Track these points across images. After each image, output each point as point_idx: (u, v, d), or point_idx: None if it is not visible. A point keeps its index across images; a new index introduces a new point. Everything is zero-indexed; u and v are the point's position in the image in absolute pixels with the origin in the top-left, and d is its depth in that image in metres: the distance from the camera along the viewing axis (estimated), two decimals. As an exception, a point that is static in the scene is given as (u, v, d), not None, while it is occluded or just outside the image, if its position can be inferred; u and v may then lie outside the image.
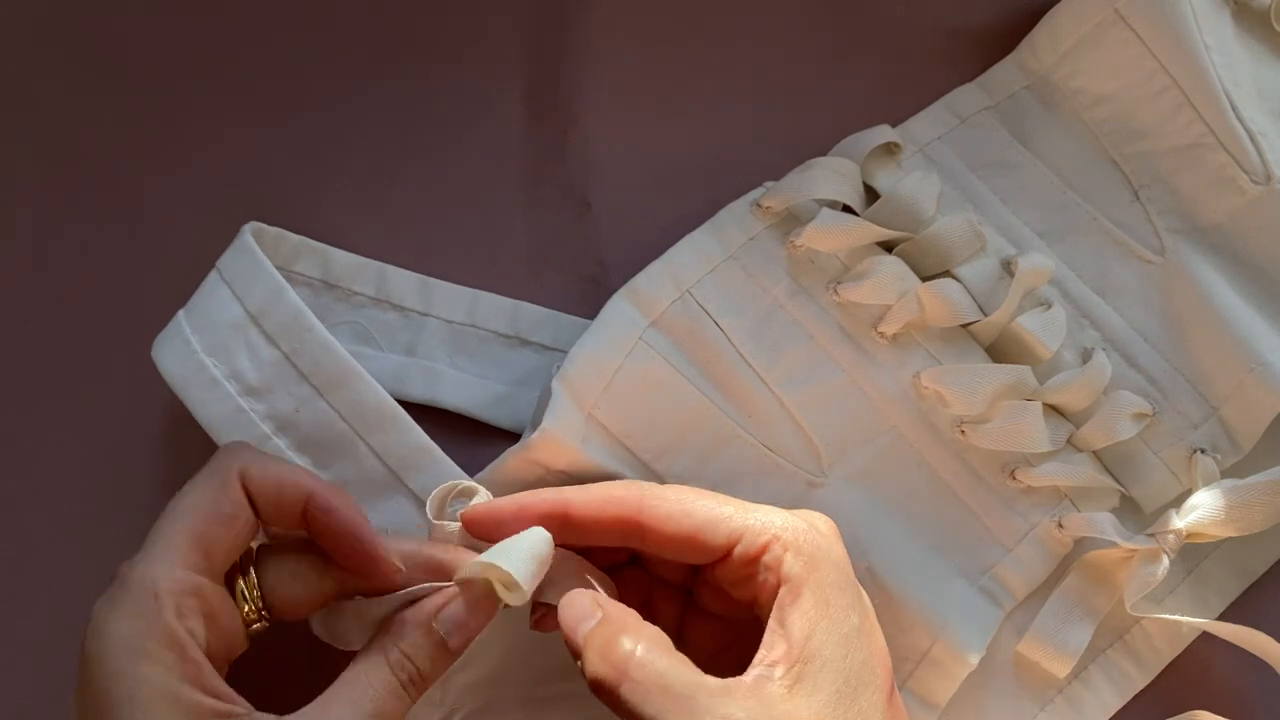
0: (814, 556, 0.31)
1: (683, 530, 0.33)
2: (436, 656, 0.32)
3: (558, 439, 0.36)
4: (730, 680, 0.30)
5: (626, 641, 0.30)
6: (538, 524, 0.33)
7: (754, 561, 0.32)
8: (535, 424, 0.37)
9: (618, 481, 0.35)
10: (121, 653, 0.29)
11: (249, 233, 0.38)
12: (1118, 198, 0.43)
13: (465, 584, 0.32)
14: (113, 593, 0.30)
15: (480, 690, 0.38)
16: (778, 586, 0.31)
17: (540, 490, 0.34)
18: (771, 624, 0.31)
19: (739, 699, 0.29)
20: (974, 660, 0.38)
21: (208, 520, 0.31)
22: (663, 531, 0.33)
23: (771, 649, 0.31)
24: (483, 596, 0.32)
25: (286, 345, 0.36)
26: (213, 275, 0.38)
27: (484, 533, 0.33)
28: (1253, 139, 0.41)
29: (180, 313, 0.38)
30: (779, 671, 0.30)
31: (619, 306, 0.39)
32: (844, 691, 0.30)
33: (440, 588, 0.33)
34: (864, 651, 0.31)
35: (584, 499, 0.33)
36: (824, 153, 0.42)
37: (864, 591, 0.33)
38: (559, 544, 0.33)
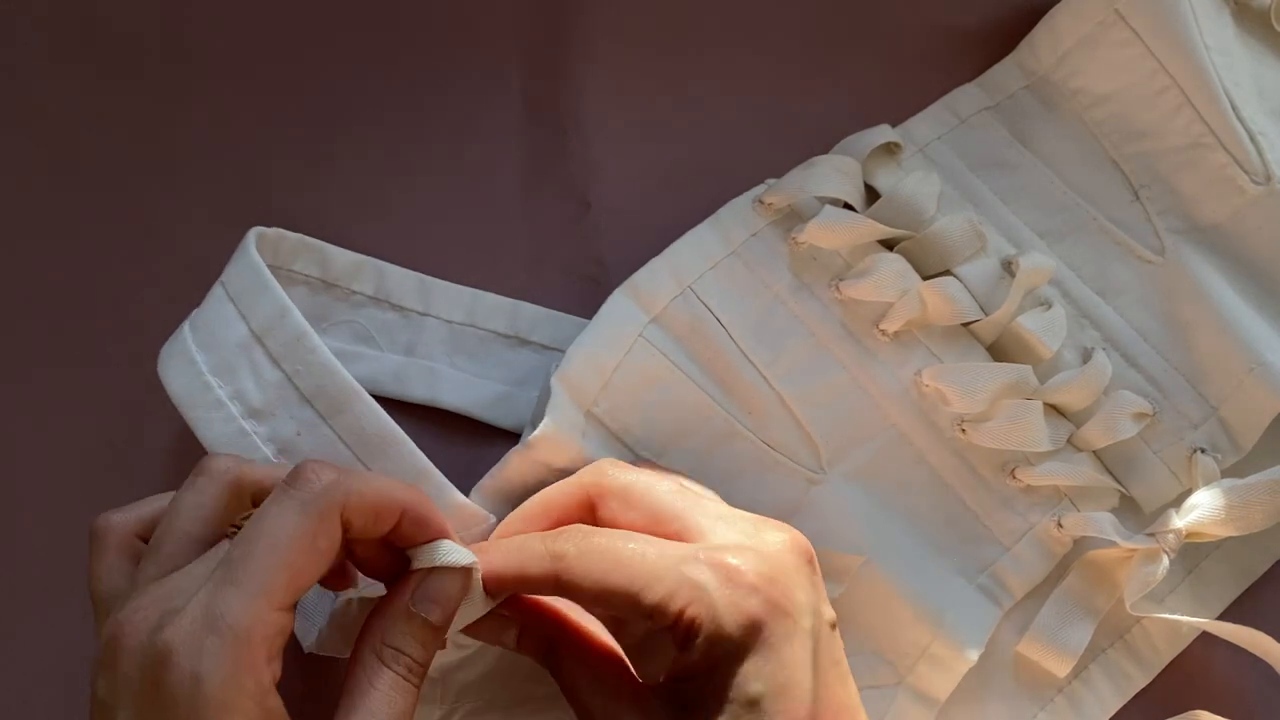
0: (714, 633, 0.30)
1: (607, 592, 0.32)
2: (425, 639, 0.31)
3: (557, 437, 0.36)
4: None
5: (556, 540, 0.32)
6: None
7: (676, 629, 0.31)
8: (535, 423, 0.37)
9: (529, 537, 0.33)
10: (213, 704, 0.27)
11: (253, 244, 0.38)
12: (1118, 198, 0.43)
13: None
14: (200, 628, 0.28)
15: (479, 689, 0.38)
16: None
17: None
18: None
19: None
20: (973, 656, 0.38)
21: (305, 557, 0.29)
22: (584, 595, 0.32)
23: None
24: (451, 572, 0.32)
25: (289, 366, 0.36)
26: (218, 290, 0.38)
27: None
28: (1253, 139, 0.41)
29: (185, 326, 0.38)
30: None
31: (619, 303, 0.39)
32: None
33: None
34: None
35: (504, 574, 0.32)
36: (824, 152, 0.42)
37: (823, 625, 0.32)
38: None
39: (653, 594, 0.30)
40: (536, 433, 0.36)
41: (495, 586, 0.32)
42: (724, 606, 0.30)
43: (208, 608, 0.28)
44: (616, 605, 0.31)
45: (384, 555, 0.32)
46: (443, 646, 0.32)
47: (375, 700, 0.30)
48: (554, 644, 0.34)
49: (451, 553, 0.32)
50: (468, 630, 0.33)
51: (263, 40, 0.45)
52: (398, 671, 0.31)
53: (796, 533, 0.33)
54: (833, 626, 0.32)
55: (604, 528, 0.33)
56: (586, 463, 0.37)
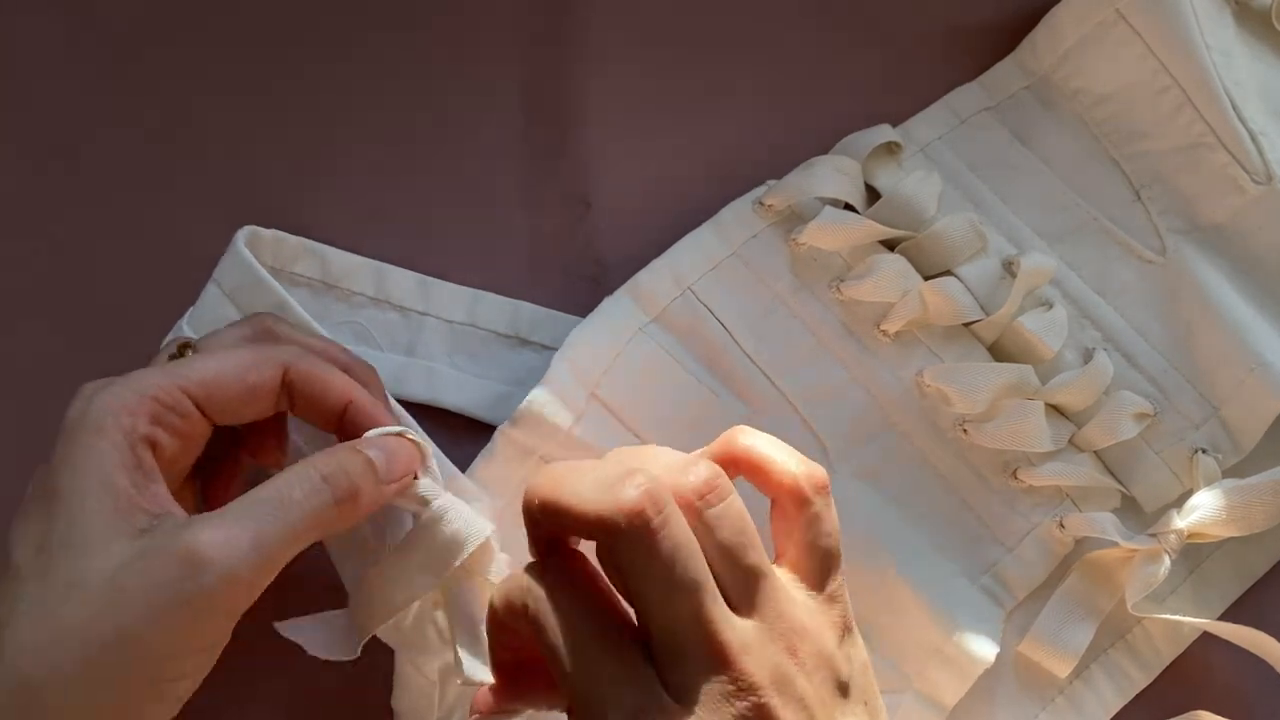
0: None
1: None
2: (367, 476, 0.31)
3: (545, 411, 0.37)
4: None
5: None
6: None
7: None
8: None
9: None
10: (78, 441, 0.30)
11: (243, 242, 0.38)
12: (1119, 198, 0.43)
13: None
14: (104, 384, 0.31)
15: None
16: None
17: None
18: None
19: None
20: (989, 659, 0.38)
21: (231, 374, 0.31)
22: None
23: None
24: (408, 443, 0.33)
25: None
26: (211, 289, 0.38)
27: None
28: (1253, 138, 0.41)
29: (184, 324, 0.38)
30: None
31: (620, 302, 0.39)
32: None
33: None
34: None
35: None
36: (824, 152, 0.42)
37: None
38: None
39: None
40: (524, 403, 0.37)
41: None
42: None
43: (133, 374, 0.31)
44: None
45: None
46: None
47: (280, 483, 0.30)
48: None
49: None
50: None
51: (263, 40, 0.45)
52: (331, 486, 0.30)
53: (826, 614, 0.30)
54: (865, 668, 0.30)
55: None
56: (574, 447, 0.37)
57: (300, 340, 0.35)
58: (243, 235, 0.39)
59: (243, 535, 0.29)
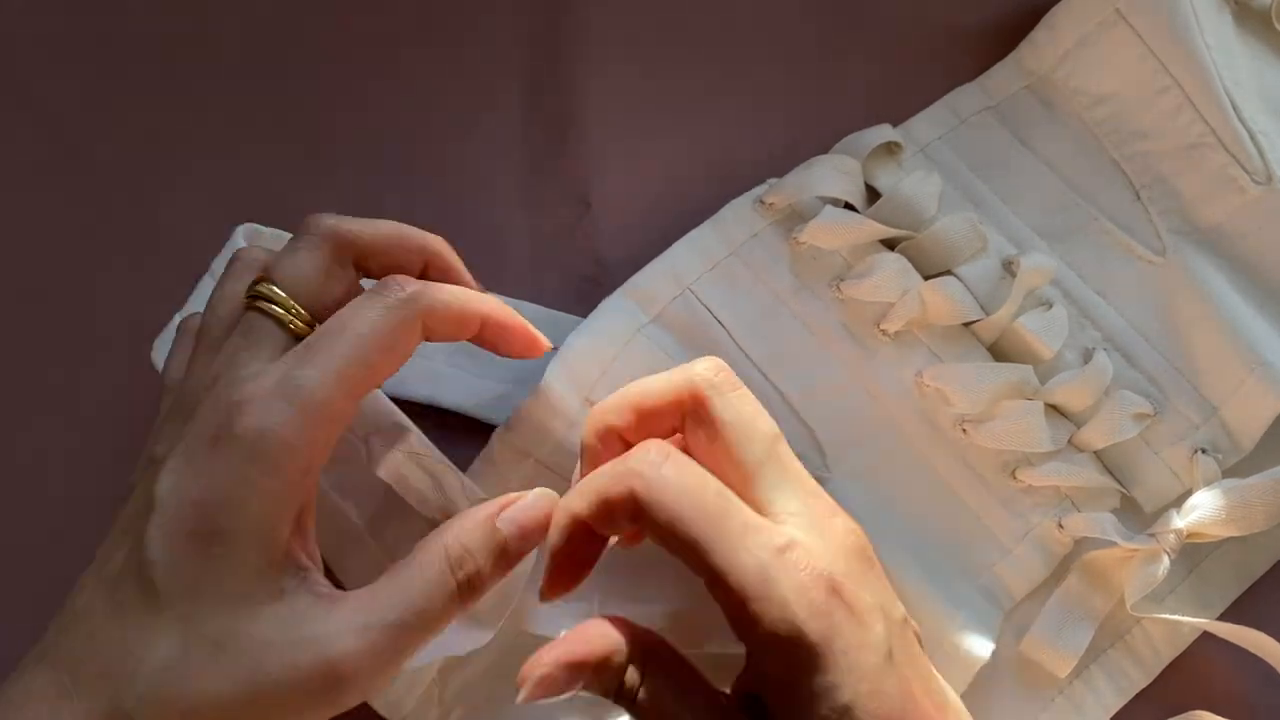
0: (787, 634, 0.28)
1: None
2: (497, 559, 0.31)
3: (539, 415, 0.37)
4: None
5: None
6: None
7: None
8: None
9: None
10: (270, 457, 0.28)
11: (241, 235, 0.38)
12: (1119, 198, 0.43)
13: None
14: (279, 391, 0.29)
15: (479, 688, 0.38)
16: None
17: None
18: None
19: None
20: (986, 655, 0.38)
21: (382, 354, 0.30)
22: None
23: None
24: (544, 503, 0.32)
25: None
26: (207, 280, 0.39)
27: (568, 583, 0.32)
28: (1254, 139, 0.41)
29: (177, 318, 0.39)
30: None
31: (619, 303, 0.39)
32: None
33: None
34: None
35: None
36: (824, 153, 0.42)
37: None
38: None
39: (723, 564, 0.28)
40: (516, 409, 0.37)
41: (580, 517, 0.30)
42: (799, 606, 0.28)
43: (286, 376, 0.29)
44: (680, 550, 0.29)
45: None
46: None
47: (412, 587, 0.30)
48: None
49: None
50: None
51: (263, 40, 0.45)
52: (456, 577, 0.30)
53: (854, 524, 0.31)
54: (904, 622, 0.31)
55: (682, 455, 0.30)
56: (572, 451, 0.37)
57: (383, 244, 0.34)
58: (242, 231, 0.39)
59: (384, 648, 0.29)
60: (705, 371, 0.31)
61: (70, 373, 0.42)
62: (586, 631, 0.30)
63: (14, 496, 0.41)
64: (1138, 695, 0.41)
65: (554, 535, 0.31)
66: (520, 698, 0.30)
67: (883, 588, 0.31)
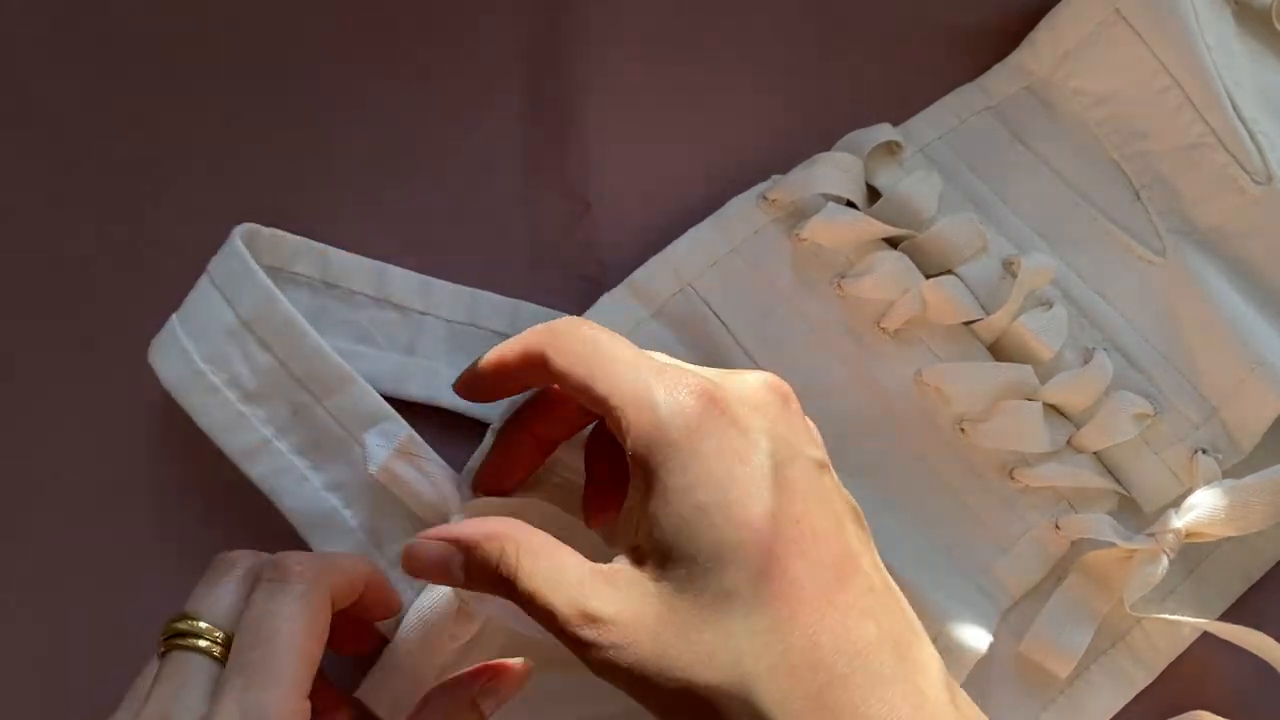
0: (651, 436, 0.29)
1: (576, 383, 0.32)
2: None
3: None
4: (607, 568, 0.30)
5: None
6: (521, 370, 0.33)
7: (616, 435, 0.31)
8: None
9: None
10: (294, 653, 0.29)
11: (239, 236, 0.38)
12: (1119, 198, 0.43)
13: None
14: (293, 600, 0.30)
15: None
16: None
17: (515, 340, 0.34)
18: (627, 506, 0.31)
19: (602, 589, 0.29)
20: (983, 647, 0.38)
21: (314, 643, 0.30)
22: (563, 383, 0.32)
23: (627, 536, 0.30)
24: (521, 672, 0.34)
25: (280, 352, 0.37)
26: (204, 280, 0.39)
27: (476, 395, 0.35)
28: (1254, 139, 0.41)
29: (174, 317, 0.39)
30: (621, 562, 0.30)
31: (619, 297, 0.40)
32: (690, 576, 0.28)
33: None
34: (714, 531, 0.28)
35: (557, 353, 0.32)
36: (824, 152, 0.42)
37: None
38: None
39: (607, 389, 0.30)
40: (507, 405, 0.37)
41: (498, 380, 0.34)
42: (671, 417, 0.29)
43: (244, 711, 0.28)
44: (577, 391, 0.31)
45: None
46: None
47: None
48: None
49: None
50: None
51: (262, 40, 0.45)
52: None
53: (775, 377, 0.31)
54: (820, 468, 0.30)
55: (591, 323, 0.33)
56: (569, 449, 0.37)
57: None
58: (240, 231, 0.39)
59: None
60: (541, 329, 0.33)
61: (68, 374, 0.42)
62: (465, 522, 0.31)
63: (12, 496, 0.41)
64: (1138, 695, 0.41)
65: (484, 363, 0.34)
66: (403, 565, 0.31)
67: (794, 427, 0.31)
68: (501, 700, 0.33)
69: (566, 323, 0.33)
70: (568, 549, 0.30)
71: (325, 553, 0.35)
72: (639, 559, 0.29)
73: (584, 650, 0.28)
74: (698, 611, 0.28)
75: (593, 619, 0.28)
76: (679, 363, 0.31)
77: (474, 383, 0.35)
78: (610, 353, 0.31)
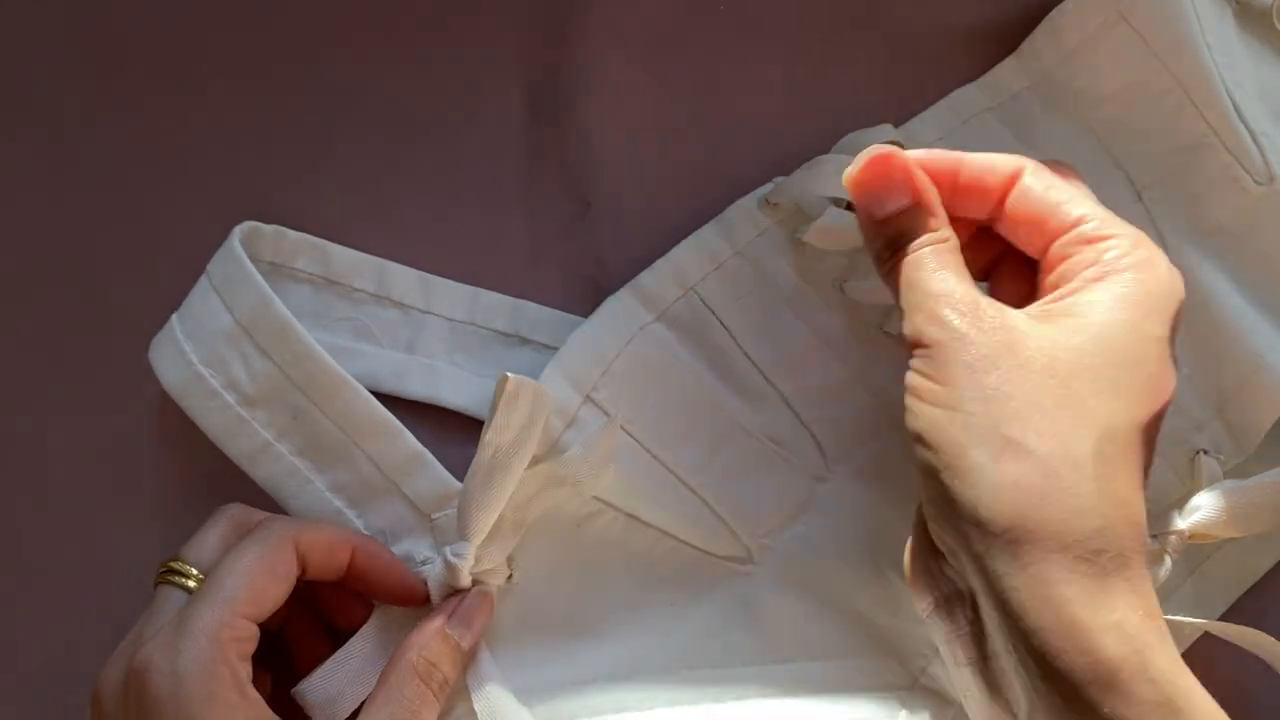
0: (1139, 266, 0.32)
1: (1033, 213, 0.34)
2: (456, 660, 0.35)
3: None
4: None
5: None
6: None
7: (1086, 242, 0.33)
8: None
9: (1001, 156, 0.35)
10: (195, 696, 0.31)
11: (237, 237, 0.38)
12: (1120, 198, 0.43)
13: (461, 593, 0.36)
14: (173, 637, 0.32)
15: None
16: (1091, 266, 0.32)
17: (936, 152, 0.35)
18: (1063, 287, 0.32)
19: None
20: None
21: (264, 577, 0.33)
22: (1016, 211, 0.34)
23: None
24: (484, 597, 0.36)
25: (279, 357, 0.37)
26: (203, 281, 0.39)
27: (869, 191, 0.34)
28: (1255, 139, 0.41)
29: (174, 317, 0.39)
30: (1041, 305, 0.32)
31: (622, 301, 0.40)
32: (1095, 356, 0.30)
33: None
34: (1133, 357, 0.31)
35: (973, 162, 0.35)
36: (825, 153, 0.42)
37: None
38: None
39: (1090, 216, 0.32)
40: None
41: (962, 191, 0.35)
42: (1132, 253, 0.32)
43: (178, 622, 0.32)
44: (1053, 210, 0.33)
45: (354, 606, 0.37)
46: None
47: (402, 705, 0.34)
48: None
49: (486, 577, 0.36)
50: None
51: (262, 39, 0.44)
52: (430, 687, 0.34)
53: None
54: None
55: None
56: (562, 451, 0.37)
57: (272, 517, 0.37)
58: (239, 231, 0.39)
59: None
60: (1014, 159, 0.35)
61: (68, 374, 0.42)
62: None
63: (13, 495, 0.41)
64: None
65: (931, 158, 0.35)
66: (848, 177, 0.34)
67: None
68: (474, 629, 0.36)
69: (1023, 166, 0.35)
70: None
71: (313, 521, 0.37)
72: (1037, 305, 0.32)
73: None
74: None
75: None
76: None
77: (883, 176, 0.34)
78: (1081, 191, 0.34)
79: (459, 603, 0.36)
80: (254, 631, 0.33)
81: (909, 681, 0.38)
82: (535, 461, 0.37)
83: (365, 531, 0.38)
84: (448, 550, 0.36)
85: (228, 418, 0.38)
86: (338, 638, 0.37)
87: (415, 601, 0.37)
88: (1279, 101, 0.42)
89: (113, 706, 0.32)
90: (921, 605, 0.33)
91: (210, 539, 0.35)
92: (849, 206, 0.41)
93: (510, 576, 0.38)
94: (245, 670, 0.32)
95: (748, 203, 0.41)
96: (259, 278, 0.37)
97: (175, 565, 0.35)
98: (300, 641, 0.38)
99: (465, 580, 0.36)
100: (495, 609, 0.38)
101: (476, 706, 0.36)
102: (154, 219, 0.43)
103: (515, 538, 0.38)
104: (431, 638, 0.35)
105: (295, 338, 0.37)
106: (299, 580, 0.35)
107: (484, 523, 0.36)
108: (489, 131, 0.44)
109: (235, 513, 0.36)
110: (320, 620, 0.38)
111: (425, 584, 0.37)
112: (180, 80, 0.44)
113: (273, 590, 0.34)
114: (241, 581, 0.33)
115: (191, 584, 0.34)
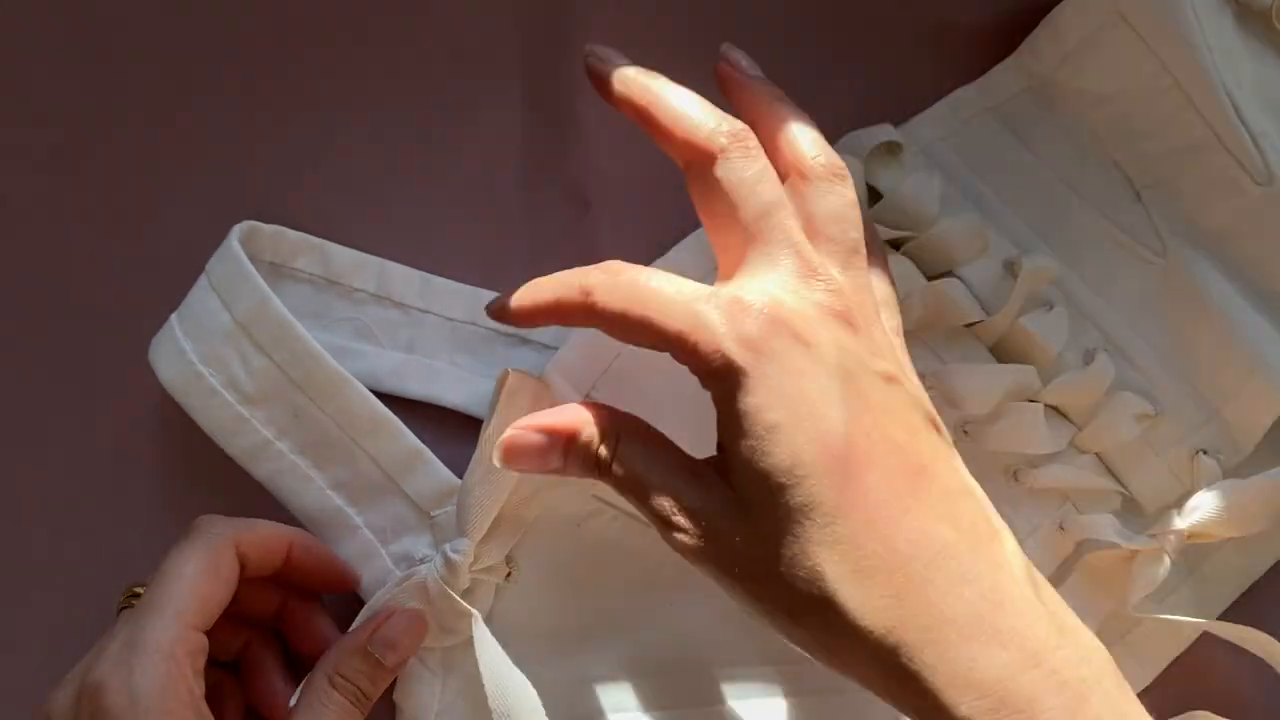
0: (718, 362, 0.30)
1: None
2: (375, 676, 0.35)
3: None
4: (698, 464, 0.32)
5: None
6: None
7: None
8: None
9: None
10: (154, 711, 0.31)
11: (236, 237, 0.38)
12: (1119, 199, 0.43)
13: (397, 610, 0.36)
14: (125, 655, 0.31)
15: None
16: None
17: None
18: None
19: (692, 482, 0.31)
20: None
21: (209, 583, 0.33)
22: None
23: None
24: (413, 619, 0.36)
25: (278, 356, 0.38)
26: (202, 280, 0.39)
27: (505, 320, 0.35)
28: (1254, 140, 0.41)
29: (173, 317, 0.39)
30: (709, 465, 0.31)
31: None
32: (767, 492, 0.29)
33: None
34: (787, 448, 0.29)
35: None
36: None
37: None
38: None
39: (669, 325, 0.30)
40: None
41: (530, 317, 0.34)
42: (730, 335, 0.29)
43: (129, 638, 0.31)
44: (639, 336, 0.31)
45: (273, 598, 0.37)
46: (391, 685, 0.36)
47: (323, 718, 0.34)
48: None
49: (409, 601, 0.36)
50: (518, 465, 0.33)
51: (262, 39, 0.44)
52: (346, 698, 0.34)
53: (840, 289, 0.31)
54: (889, 381, 0.31)
55: (632, 264, 0.32)
56: None
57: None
58: (238, 230, 0.39)
59: None
60: (721, 128, 0.32)
61: (68, 375, 0.42)
62: (560, 410, 0.32)
63: (13, 495, 0.41)
64: (1139, 695, 0.41)
65: (519, 300, 0.34)
66: (496, 460, 0.32)
67: (861, 341, 0.31)
68: (401, 650, 0.35)
69: (603, 265, 0.32)
70: (660, 434, 0.32)
71: (247, 519, 0.36)
72: (722, 471, 0.30)
73: (674, 535, 0.30)
74: (775, 525, 0.29)
75: (685, 509, 0.30)
76: (736, 285, 0.31)
77: (504, 314, 0.35)
78: (660, 287, 0.31)
79: (384, 619, 0.36)
80: (205, 642, 0.33)
81: None
82: None
83: (366, 529, 0.38)
84: (447, 547, 0.36)
85: (227, 416, 0.38)
86: (297, 665, 0.38)
87: (348, 590, 0.37)
88: (1278, 101, 0.42)
89: None
90: None
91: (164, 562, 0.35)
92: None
93: (509, 575, 0.38)
94: (200, 686, 0.32)
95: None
96: (257, 277, 0.38)
97: (136, 590, 0.35)
98: (257, 668, 0.38)
99: (464, 577, 0.36)
100: (495, 608, 0.38)
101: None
102: (154, 219, 0.43)
103: (515, 536, 0.38)
104: (350, 654, 0.35)
105: (294, 336, 0.37)
106: (241, 577, 0.35)
107: (483, 519, 0.36)
108: (489, 131, 0.44)
109: (200, 524, 0.36)
110: (278, 646, 0.38)
111: (360, 576, 0.38)
112: (180, 80, 0.44)
113: (218, 595, 0.34)
114: (188, 589, 0.33)
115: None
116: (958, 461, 0.31)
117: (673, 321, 0.30)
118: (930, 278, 0.40)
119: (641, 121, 0.34)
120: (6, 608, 0.41)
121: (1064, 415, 0.41)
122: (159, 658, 0.31)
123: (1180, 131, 0.42)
